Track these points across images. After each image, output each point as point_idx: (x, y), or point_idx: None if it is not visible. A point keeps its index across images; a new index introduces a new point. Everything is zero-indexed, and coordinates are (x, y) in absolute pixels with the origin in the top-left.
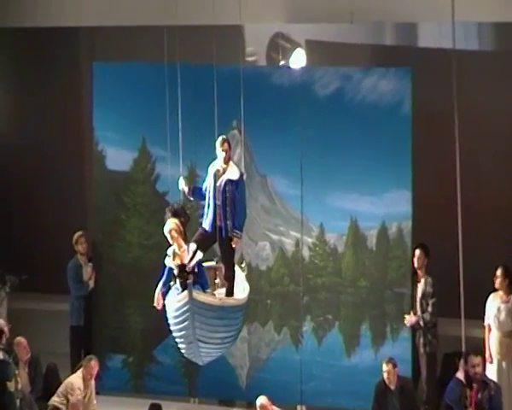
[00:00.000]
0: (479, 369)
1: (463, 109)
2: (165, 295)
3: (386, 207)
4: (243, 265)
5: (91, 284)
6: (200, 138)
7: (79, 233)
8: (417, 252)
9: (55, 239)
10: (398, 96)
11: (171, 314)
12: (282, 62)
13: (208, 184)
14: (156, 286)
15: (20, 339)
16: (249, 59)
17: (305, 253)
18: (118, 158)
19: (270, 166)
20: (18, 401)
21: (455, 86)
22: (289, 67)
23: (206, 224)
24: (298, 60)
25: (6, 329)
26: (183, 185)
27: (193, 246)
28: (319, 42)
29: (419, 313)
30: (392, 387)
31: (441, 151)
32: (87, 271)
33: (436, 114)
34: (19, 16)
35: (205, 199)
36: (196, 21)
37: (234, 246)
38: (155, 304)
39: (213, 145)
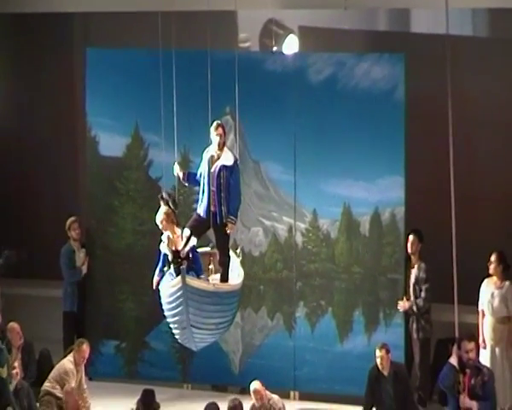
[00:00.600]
0: (472, 355)
1: (457, 96)
2: (161, 280)
3: (379, 193)
4: (238, 250)
5: (84, 269)
6: (194, 124)
7: (72, 219)
8: (411, 237)
9: (49, 225)
10: (392, 83)
11: (165, 300)
12: (275, 48)
13: (203, 170)
14: (150, 273)
15: (13, 325)
16: (242, 45)
17: (299, 239)
18: (111, 144)
19: (263, 152)
20: (11, 386)
21: (449, 72)
22: (282, 53)
23: (201, 209)
24: (291, 46)
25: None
26: (177, 171)
27: (186, 232)
28: (312, 28)
29: (412, 298)
30: (386, 373)
31: (434, 137)
32: (80, 257)
33: (430, 100)
34: (12, 2)
35: (199, 185)
36: (191, 7)
37: (228, 232)
38: (154, 285)
39: (206, 131)
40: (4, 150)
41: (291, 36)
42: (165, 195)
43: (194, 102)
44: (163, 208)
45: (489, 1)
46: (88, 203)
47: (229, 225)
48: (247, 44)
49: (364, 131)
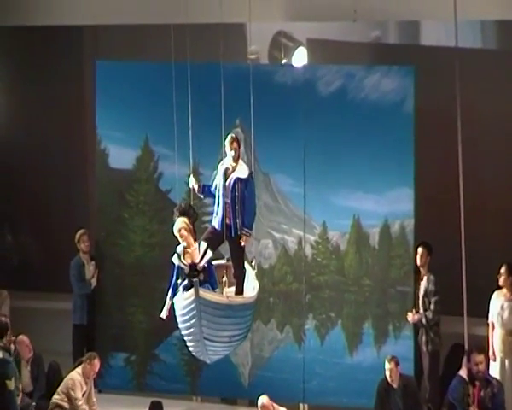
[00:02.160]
0: (482, 367)
1: (466, 108)
2: (173, 304)
3: (388, 206)
4: (253, 263)
5: (94, 282)
6: (203, 136)
7: (82, 231)
8: (420, 250)
9: (58, 238)
10: (401, 95)
11: (178, 312)
12: (284, 61)
13: (218, 182)
14: (159, 285)
15: (23, 338)
16: (251, 57)
17: (308, 251)
18: (121, 156)
19: (272, 165)
20: (18, 399)
21: (458, 85)
22: (292, 66)
23: (216, 222)
24: (300, 58)
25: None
26: (193, 183)
27: (203, 245)
28: (322, 40)
29: (421, 311)
30: (395, 385)
31: (444, 150)
32: (90, 269)
33: (439, 112)
34: (22, 15)
35: (214, 197)
36: (203, 20)
37: (243, 244)
38: (163, 315)
39: (216, 143)
40: (14, 163)
41: (300, 48)
42: (184, 204)
43: (204, 114)
44: (181, 218)
45: (498, 13)
46: (97, 216)
47: (244, 237)
48: (256, 57)
49: (374, 143)
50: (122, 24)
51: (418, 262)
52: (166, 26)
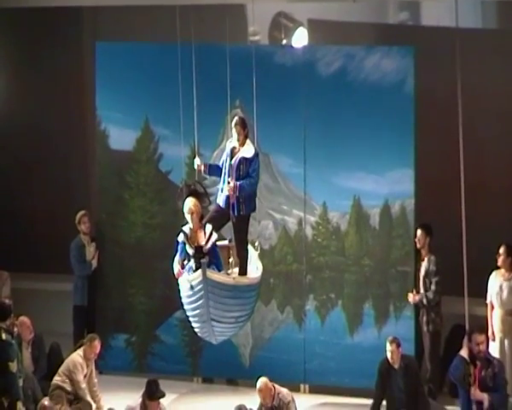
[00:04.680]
0: (482, 347)
1: (466, 88)
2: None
3: (389, 186)
4: (256, 244)
5: (94, 263)
6: (204, 117)
7: (82, 213)
8: (418, 233)
9: (59, 219)
10: (401, 75)
11: (184, 294)
12: (284, 41)
13: (224, 160)
14: (160, 266)
15: (24, 319)
16: (252, 38)
17: (308, 232)
18: (121, 138)
19: (273, 145)
20: (21, 381)
21: (458, 65)
22: (292, 47)
23: (220, 200)
24: (300, 39)
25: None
26: (198, 164)
27: (209, 227)
28: (322, 21)
29: (422, 291)
30: (396, 366)
31: (444, 130)
32: (90, 250)
33: (439, 92)
34: None
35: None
36: (205, 1)
37: (227, 192)
38: (176, 275)
39: (217, 124)
40: (14, 144)
41: (300, 29)
42: (197, 186)
43: (205, 95)
44: (192, 199)
45: None
46: (98, 197)
47: (228, 187)
48: (256, 38)
49: (374, 123)
50: (121, 5)
51: (418, 245)
52: (166, 7)
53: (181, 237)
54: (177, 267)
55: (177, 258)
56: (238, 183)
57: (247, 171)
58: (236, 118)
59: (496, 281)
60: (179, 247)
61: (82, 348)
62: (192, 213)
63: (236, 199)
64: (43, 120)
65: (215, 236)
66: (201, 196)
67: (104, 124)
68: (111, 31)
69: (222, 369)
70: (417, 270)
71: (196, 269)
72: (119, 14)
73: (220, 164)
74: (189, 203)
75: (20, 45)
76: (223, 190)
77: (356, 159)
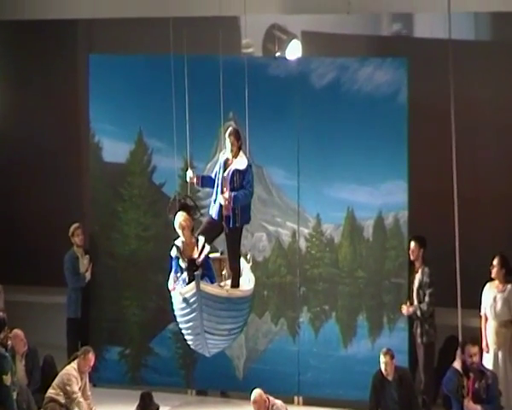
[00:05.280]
0: (476, 359)
1: (459, 99)
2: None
3: (382, 198)
4: (248, 256)
5: (88, 276)
6: (197, 129)
7: (76, 225)
8: (412, 245)
9: (52, 231)
10: (395, 87)
11: (177, 306)
12: (278, 53)
13: (217, 172)
14: (154, 278)
15: (17, 331)
16: (245, 51)
17: (302, 244)
18: (114, 150)
19: (266, 158)
20: (15, 394)
21: (451, 76)
22: (285, 58)
23: (213, 211)
24: (294, 51)
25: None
26: (191, 176)
27: (201, 239)
28: (315, 33)
29: (416, 302)
30: (390, 378)
31: (437, 141)
32: (84, 263)
33: (432, 104)
34: (16, 9)
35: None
36: (200, 13)
37: (222, 202)
38: (171, 290)
39: (210, 136)
40: (7, 156)
41: (294, 41)
42: (187, 199)
43: (198, 107)
44: (182, 213)
45: (491, 5)
46: (91, 209)
47: (223, 197)
48: (250, 50)
49: (367, 135)
50: (115, 18)
51: (411, 256)
52: (159, 19)
53: (174, 252)
54: (171, 285)
55: (172, 275)
56: (233, 193)
57: (240, 183)
58: (230, 128)
59: (490, 292)
60: (173, 262)
61: (76, 361)
62: (183, 229)
63: (232, 210)
64: (37, 132)
65: (208, 248)
66: (192, 209)
67: (98, 136)
68: (105, 43)
69: (216, 381)
70: (411, 282)
71: (189, 281)
72: (113, 26)
73: (213, 175)
74: (179, 218)
75: (14, 58)
76: (215, 202)
77: (349, 171)
